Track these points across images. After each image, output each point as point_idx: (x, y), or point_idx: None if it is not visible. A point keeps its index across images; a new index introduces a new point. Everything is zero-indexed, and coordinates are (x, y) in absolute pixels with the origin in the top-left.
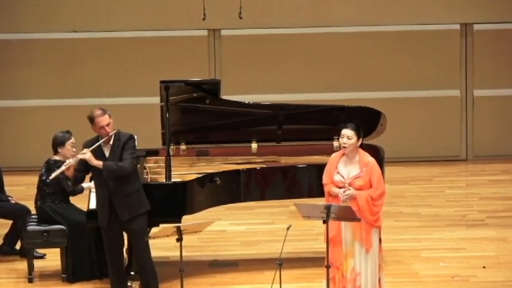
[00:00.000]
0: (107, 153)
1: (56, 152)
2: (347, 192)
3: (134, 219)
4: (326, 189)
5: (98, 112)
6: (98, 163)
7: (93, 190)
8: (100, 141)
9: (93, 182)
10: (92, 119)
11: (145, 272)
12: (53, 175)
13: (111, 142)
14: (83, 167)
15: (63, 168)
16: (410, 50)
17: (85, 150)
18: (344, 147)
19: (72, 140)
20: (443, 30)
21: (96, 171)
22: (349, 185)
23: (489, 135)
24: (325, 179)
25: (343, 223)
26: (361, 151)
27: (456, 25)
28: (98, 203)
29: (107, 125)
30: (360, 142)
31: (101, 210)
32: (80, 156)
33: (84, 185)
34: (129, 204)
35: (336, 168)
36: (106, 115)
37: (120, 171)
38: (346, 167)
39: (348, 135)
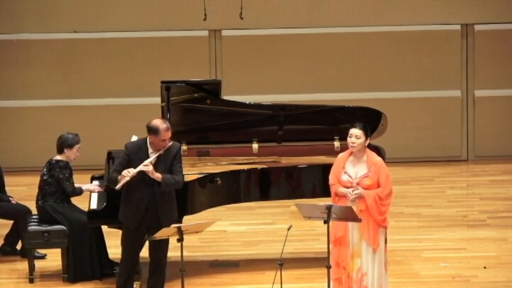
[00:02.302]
0: (153, 161)
1: (60, 152)
2: (355, 192)
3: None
4: (333, 189)
5: (164, 126)
6: (158, 176)
7: (94, 191)
8: (160, 152)
9: (93, 183)
10: (157, 131)
11: (158, 271)
12: (119, 185)
13: (161, 151)
14: (120, 169)
15: (127, 179)
16: (411, 51)
17: (147, 162)
18: (352, 146)
19: (80, 144)
20: (444, 31)
21: (137, 177)
22: (357, 184)
23: (490, 136)
24: (331, 179)
25: (350, 223)
26: (368, 151)
27: (457, 25)
28: (131, 206)
29: (168, 138)
30: (367, 142)
31: (134, 213)
32: (143, 169)
33: (84, 187)
34: (170, 211)
35: (343, 168)
36: (170, 130)
37: (176, 185)
38: (354, 166)
39: (356, 134)
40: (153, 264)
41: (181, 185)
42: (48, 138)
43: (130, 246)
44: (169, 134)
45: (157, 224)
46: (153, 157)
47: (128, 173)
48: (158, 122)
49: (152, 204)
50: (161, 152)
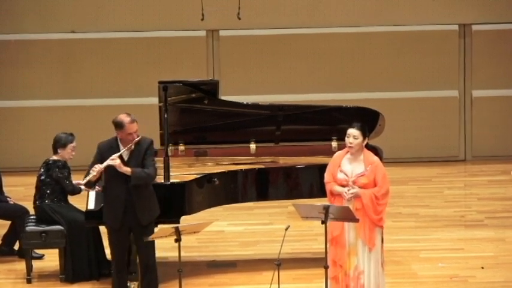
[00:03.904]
0: (125, 157)
1: (55, 152)
2: (351, 191)
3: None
4: (328, 187)
5: (128, 119)
6: (127, 170)
7: (92, 190)
8: (128, 146)
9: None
10: (121, 125)
11: (149, 272)
12: (85, 180)
13: (132, 147)
14: (98, 175)
15: (93, 173)
16: (409, 51)
17: (114, 156)
18: (350, 146)
19: (74, 143)
20: (441, 31)
21: (113, 173)
22: (353, 183)
23: (488, 136)
24: (327, 177)
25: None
26: (366, 150)
27: (454, 26)
28: (110, 205)
29: (135, 131)
30: (365, 142)
31: (114, 212)
32: (110, 163)
33: (82, 186)
34: (148, 208)
35: (339, 166)
36: (135, 122)
37: (147, 179)
38: (350, 165)
39: (354, 134)
40: (141, 266)
41: (152, 178)
42: (46, 139)
43: (116, 247)
44: (134, 127)
45: (137, 222)
46: (121, 151)
47: (95, 169)
48: (123, 116)
49: (130, 203)
50: (131, 146)
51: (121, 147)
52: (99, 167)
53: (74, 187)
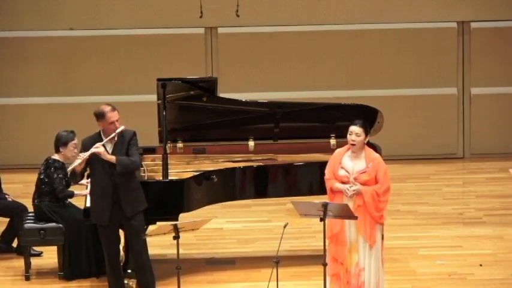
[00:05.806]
0: (109, 149)
1: (57, 151)
2: (353, 188)
3: (135, 216)
4: (328, 184)
5: (108, 108)
6: (111, 157)
7: (76, 183)
8: (111, 136)
9: (89, 180)
10: (102, 115)
11: (143, 269)
12: (70, 168)
13: (115, 138)
14: (83, 163)
15: (78, 161)
16: (408, 48)
17: (98, 144)
18: (352, 144)
19: (75, 141)
20: (440, 28)
21: (98, 167)
22: (355, 179)
23: (486, 133)
24: (327, 173)
25: None
26: (367, 147)
27: (453, 23)
28: (98, 200)
29: (117, 120)
30: (367, 139)
31: (102, 207)
32: (94, 151)
33: (76, 191)
34: (133, 200)
35: (340, 163)
36: (116, 111)
37: (132, 166)
38: (351, 161)
39: (356, 132)
40: (135, 263)
41: (137, 165)
42: (46, 136)
43: (106, 243)
44: (116, 116)
45: (124, 216)
46: (105, 140)
47: (79, 157)
48: (103, 106)
49: (117, 196)
50: (114, 135)
51: (104, 140)
52: (83, 155)
53: (65, 190)
